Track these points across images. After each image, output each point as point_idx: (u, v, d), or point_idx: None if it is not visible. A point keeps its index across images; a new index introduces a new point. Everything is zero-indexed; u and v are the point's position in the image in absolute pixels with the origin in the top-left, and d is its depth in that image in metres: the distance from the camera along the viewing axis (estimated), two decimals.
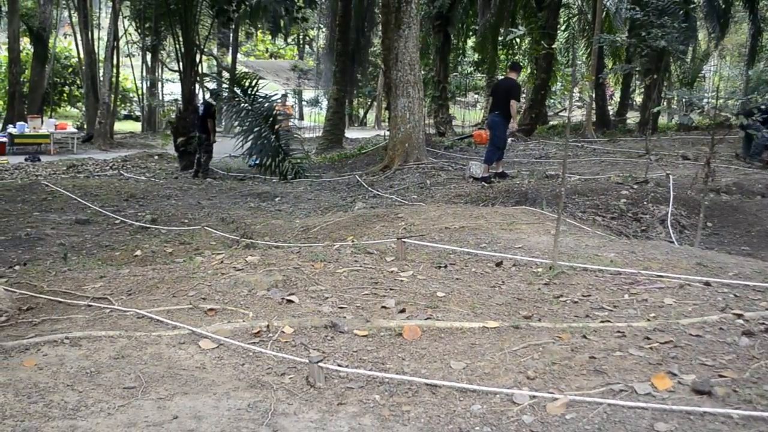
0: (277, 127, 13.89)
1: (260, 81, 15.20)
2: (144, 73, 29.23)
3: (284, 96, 23.74)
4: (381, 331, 3.34)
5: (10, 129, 20.69)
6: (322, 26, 34.54)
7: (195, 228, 7.64)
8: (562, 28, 24.78)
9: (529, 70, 26.33)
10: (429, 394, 2.67)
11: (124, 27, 28.26)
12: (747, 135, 10.41)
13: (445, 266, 4.60)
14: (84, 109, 29.39)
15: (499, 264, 4.64)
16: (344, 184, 12.06)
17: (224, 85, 15.73)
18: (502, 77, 11.56)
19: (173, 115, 16.34)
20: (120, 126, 29.50)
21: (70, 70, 34.09)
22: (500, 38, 22.66)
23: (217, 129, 14.50)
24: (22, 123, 20.56)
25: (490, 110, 10.31)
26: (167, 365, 3.01)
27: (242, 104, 14.19)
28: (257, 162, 14.00)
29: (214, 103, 14.36)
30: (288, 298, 3.83)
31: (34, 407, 2.58)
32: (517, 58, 26.29)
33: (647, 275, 4.15)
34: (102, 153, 20.37)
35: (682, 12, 16.30)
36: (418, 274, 4.37)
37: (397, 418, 2.49)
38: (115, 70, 24.45)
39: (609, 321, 3.39)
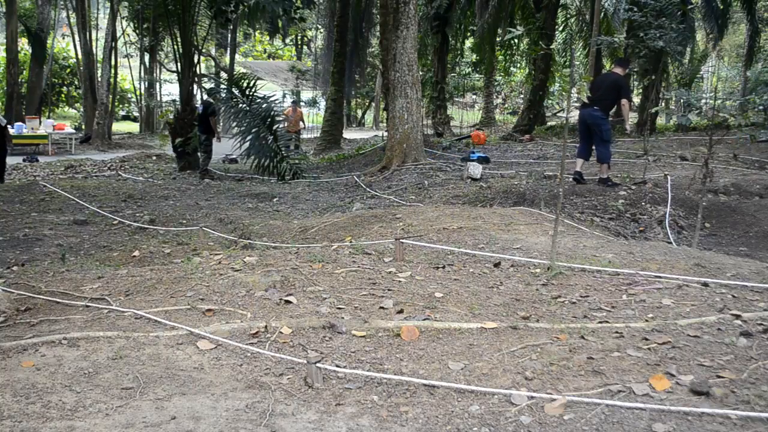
0: (275, 127, 13.89)
1: (258, 82, 15.20)
2: (142, 74, 29.24)
3: (294, 102, 23.47)
4: (379, 332, 3.34)
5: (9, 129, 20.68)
6: (320, 27, 34.58)
7: (193, 229, 7.63)
8: (560, 28, 24.80)
9: (526, 71, 26.34)
10: (427, 395, 2.67)
11: (122, 28, 28.27)
12: None
13: (443, 267, 4.60)
14: (82, 109, 29.42)
15: (497, 265, 4.65)
16: (342, 184, 12.06)
17: (222, 86, 15.73)
18: (606, 72, 10.37)
19: (171, 116, 16.33)
20: (118, 126, 29.51)
21: (69, 70, 34.15)
22: (498, 39, 22.70)
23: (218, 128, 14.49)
24: (20, 123, 20.56)
25: (583, 105, 9.07)
26: (165, 366, 3.01)
27: (240, 105, 14.19)
28: (236, 158, 14.06)
29: (213, 102, 14.35)
30: (286, 298, 3.83)
31: (32, 408, 2.58)
32: (515, 58, 26.31)
33: (645, 276, 4.16)
34: (100, 153, 20.38)
35: (680, 13, 16.33)
36: (416, 275, 4.38)
37: (395, 419, 2.49)
38: (113, 71, 24.47)
39: (607, 322, 3.39)
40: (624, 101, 9.04)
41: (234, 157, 15.97)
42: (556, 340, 3.14)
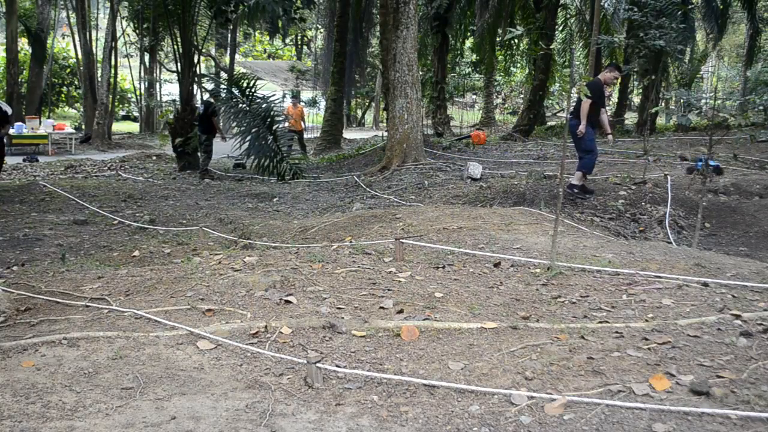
0: (275, 127, 13.88)
1: (258, 82, 15.20)
2: (142, 74, 29.23)
3: (294, 97, 23.21)
4: (379, 332, 3.34)
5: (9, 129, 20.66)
6: (320, 27, 34.58)
7: (193, 228, 7.63)
8: (560, 28, 24.80)
9: (526, 71, 26.31)
10: (427, 395, 2.67)
11: (122, 27, 28.26)
12: None
13: (443, 267, 4.61)
14: (82, 109, 29.41)
15: (497, 264, 4.65)
16: (342, 184, 12.06)
17: (222, 86, 15.71)
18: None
19: (171, 116, 16.33)
20: (118, 126, 29.50)
21: (69, 70, 34.13)
22: (498, 39, 22.71)
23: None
24: (20, 123, 20.55)
25: (572, 112, 8.38)
26: (165, 366, 3.01)
27: (240, 105, 14.18)
28: (243, 162, 13.95)
29: (213, 102, 14.34)
30: (286, 298, 3.83)
31: (32, 408, 2.58)
32: (515, 58, 26.26)
33: (645, 276, 4.16)
34: (100, 153, 20.37)
35: (680, 13, 16.34)
36: (416, 275, 4.38)
37: (395, 419, 2.49)
38: (113, 71, 24.44)
39: (607, 321, 3.39)
40: (585, 101, 8.24)
41: (242, 162, 15.28)
42: (556, 340, 3.14)
